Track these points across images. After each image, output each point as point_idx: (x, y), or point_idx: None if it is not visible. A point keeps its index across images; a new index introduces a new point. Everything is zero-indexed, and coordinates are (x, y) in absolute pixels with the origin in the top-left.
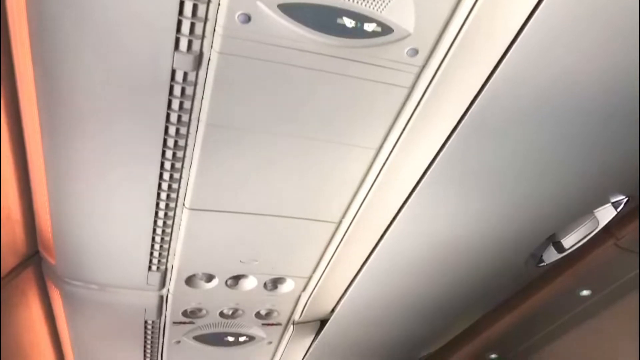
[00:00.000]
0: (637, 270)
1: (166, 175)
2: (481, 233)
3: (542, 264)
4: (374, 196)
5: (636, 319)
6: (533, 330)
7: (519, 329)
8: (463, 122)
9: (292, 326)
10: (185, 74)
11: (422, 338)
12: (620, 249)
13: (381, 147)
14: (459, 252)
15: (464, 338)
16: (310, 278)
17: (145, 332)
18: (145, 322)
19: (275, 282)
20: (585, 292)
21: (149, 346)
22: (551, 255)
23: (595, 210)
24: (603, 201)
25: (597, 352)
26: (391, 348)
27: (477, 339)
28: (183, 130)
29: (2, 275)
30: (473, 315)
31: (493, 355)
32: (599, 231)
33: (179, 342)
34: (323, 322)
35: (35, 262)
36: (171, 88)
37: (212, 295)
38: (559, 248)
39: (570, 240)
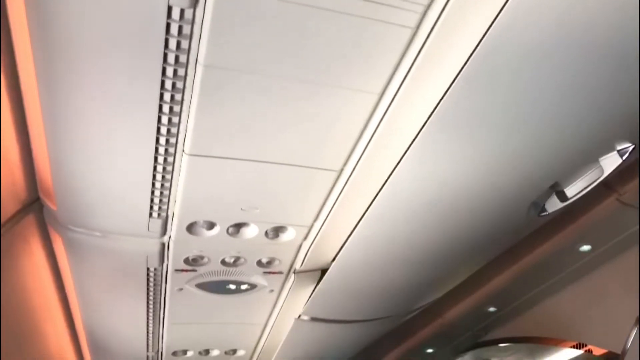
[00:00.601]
0: (638, 225)
1: (165, 119)
2: (483, 181)
3: (544, 213)
4: (376, 143)
5: (636, 274)
6: (532, 285)
7: (518, 284)
8: (467, 65)
9: (293, 275)
10: (182, 11)
11: (421, 287)
12: (622, 204)
13: (384, 91)
14: (461, 200)
15: (462, 291)
16: (311, 227)
17: (148, 279)
18: (148, 269)
19: (277, 231)
20: (585, 248)
21: (151, 293)
22: (554, 204)
23: (600, 158)
24: (608, 149)
25: (595, 307)
26: (390, 297)
27: (475, 292)
28: (181, 72)
29: (3, 220)
30: (473, 265)
31: (491, 309)
32: (601, 187)
33: (181, 289)
34: (324, 272)
35: (37, 208)
36: (168, 26)
37: (214, 243)
38: (562, 197)
39: (573, 189)
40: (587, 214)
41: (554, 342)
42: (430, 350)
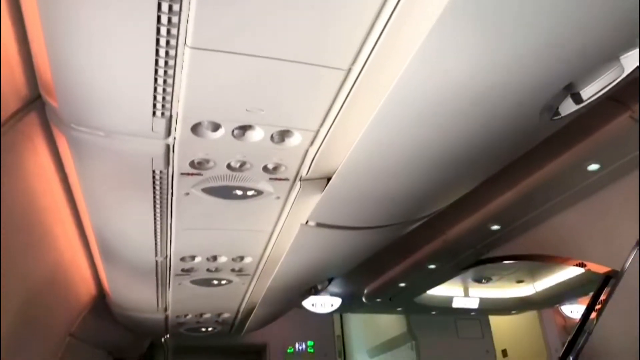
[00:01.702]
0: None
1: (165, 6)
2: (494, 80)
3: (558, 117)
4: (386, 39)
5: None
6: (537, 203)
7: (522, 202)
8: None
9: (299, 182)
10: None
11: (427, 195)
12: (635, 122)
13: None
14: (472, 101)
15: (466, 209)
16: (317, 132)
17: (154, 183)
18: (154, 172)
19: (282, 135)
20: (593, 166)
21: (158, 197)
22: (568, 107)
23: (620, 55)
24: (630, 45)
25: (600, 226)
26: (396, 204)
27: (480, 210)
28: None
29: (5, 117)
30: (482, 173)
31: (495, 227)
32: (614, 102)
33: (187, 193)
34: (330, 180)
35: (39, 106)
36: None
37: (219, 146)
38: (577, 99)
39: (590, 91)
40: (598, 131)
41: (557, 260)
42: (432, 266)
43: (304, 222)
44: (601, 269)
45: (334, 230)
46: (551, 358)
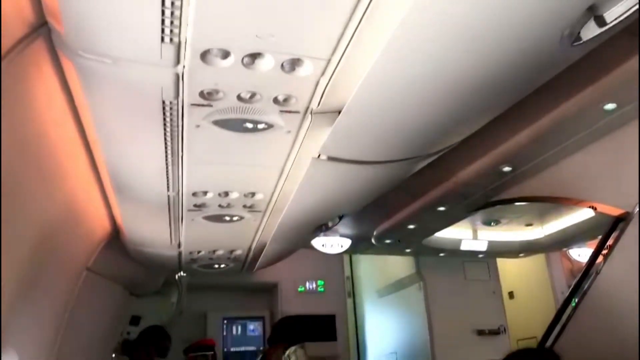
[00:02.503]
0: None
1: None
2: (512, 2)
3: (579, 42)
4: None
5: None
6: (551, 144)
7: (536, 142)
8: None
9: (310, 115)
10: None
11: (441, 128)
12: None
13: None
14: (489, 25)
15: (478, 150)
16: (329, 61)
17: (164, 114)
18: (163, 102)
19: (293, 64)
20: (610, 106)
21: (168, 129)
22: (590, 31)
23: None
24: None
25: (613, 167)
26: (408, 138)
27: (491, 151)
28: None
29: (11, 43)
30: (498, 106)
31: (507, 168)
32: (633, 37)
33: (198, 126)
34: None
35: (45, 33)
36: None
37: (229, 75)
38: (600, 21)
39: (614, 12)
40: (616, 68)
41: (568, 202)
42: (442, 208)
43: (316, 156)
44: (613, 212)
45: (346, 165)
46: (557, 300)
